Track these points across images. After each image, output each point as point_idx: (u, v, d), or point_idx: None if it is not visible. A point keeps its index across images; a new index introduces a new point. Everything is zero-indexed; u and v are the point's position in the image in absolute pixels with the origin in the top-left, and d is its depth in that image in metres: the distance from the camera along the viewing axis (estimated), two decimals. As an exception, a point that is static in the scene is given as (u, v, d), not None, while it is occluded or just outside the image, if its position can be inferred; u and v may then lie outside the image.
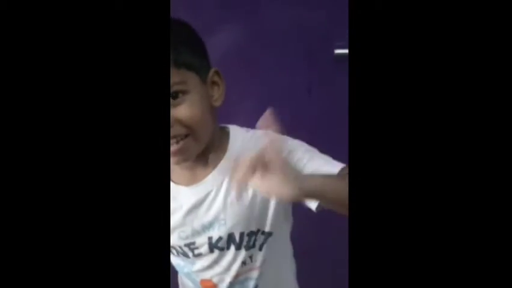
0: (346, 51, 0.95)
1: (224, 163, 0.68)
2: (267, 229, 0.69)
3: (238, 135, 0.70)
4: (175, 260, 0.75)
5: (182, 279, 0.79)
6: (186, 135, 0.62)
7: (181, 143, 0.62)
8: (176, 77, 0.60)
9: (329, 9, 0.96)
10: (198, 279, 0.74)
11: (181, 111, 0.61)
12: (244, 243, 0.69)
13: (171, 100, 0.60)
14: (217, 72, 0.66)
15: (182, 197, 0.69)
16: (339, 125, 1.00)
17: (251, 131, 0.69)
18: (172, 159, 0.64)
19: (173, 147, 0.62)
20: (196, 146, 0.65)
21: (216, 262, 0.71)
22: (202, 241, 0.70)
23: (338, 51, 0.95)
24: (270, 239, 0.70)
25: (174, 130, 0.61)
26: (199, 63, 0.64)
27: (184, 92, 0.61)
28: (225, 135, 0.70)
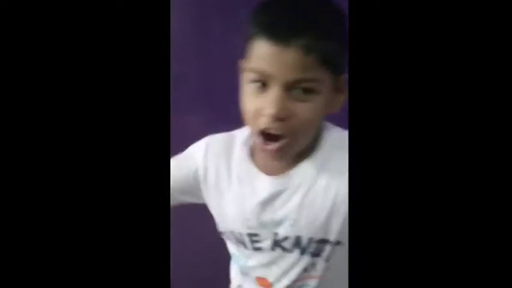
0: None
1: (310, 160, 0.62)
2: (337, 238, 0.62)
3: (332, 134, 0.63)
4: (232, 247, 0.71)
5: (234, 271, 0.74)
6: (285, 136, 0.56)
7: (280, 142, 0.56)
8: (317, 73, 0.54)
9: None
10: (254, 275, 0.68)
11: (303, 109, 0.55)
12: (311, 249, 0.63)
13: (296, 92, 0.54)
14: (344, 80, 0.58)
15: (260, 184, 0.63)
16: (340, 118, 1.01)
17: (346, 131, 0.62)
18: (264, 153, 0.59)
19: (268, 146, 0.57)
20: (292, 150, 0.59)
21: (274, 262, 0.65)
22: (266, 235, 0.64)
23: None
24: (337, 248, 0.63)
25: (282, 126, 0.55)
26: (340, 63, 0.56)
27: (315, 92, 0.55)
28: (317, 132, 0.63)
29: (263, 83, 0.55)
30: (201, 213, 0.73)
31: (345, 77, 0.58)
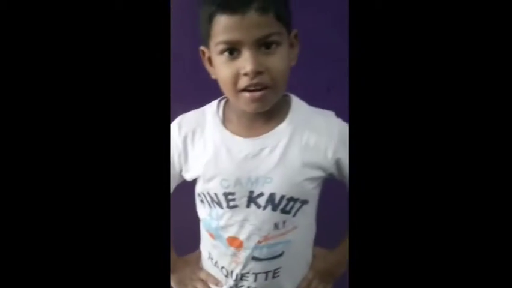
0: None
1: (285, 124, 0.69)
2: (304, 197, 0.70)
3: (300, 104, 0.73)
4: (203, 212, 0.75)
5: (204, 237, 0.78)
6: (267, 87, 0.63)
7: (264, 91, 0.63)
8: (276, 27, 0.62)
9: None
10: (225, 236, 0.73)
11: (274, 61, 0.62)
12: (282, 206, 0.69)
13: (263, 49, 0.62)
14: (296, 35, 0.68)
15: (235, 146, 0.69)
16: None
17: (313, 108, 0.73)
18: (250, 106, 0.65)
19: (255, 94, 0.63)
20: (274, 97, 0.66)
21: (247, 219, 0.71)
22: (242, 194, 0.69)
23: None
24: (304, 206, 0.71)
25: (261, 78, 0.62)
26: (289, 21, 0.66)
27: (278, 44, 0.63)
28: (286, 100, 0.72)
29: (231, 51, 0.62)
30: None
31: (296, 33, 0.67)
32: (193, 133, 0.72)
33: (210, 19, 0.62)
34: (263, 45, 0.61)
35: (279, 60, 0.63)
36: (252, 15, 0.59)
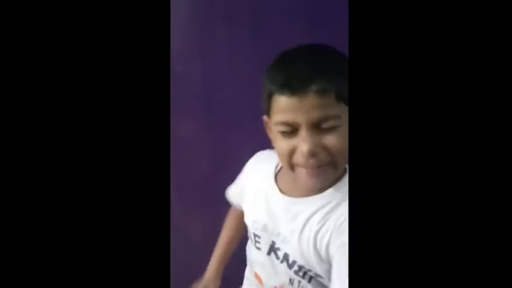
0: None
1: (325, 193, 0.67)
2: (317, 271, 0.68)
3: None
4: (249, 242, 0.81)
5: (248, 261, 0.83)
6: (325, 164, 0.62)
7: (321, 168, 0.62)
8: (335, 109, 0.60)
9: (330, 17, 0.98)
10: (254, 270, 0.78)
11: (332, 140, 0.61)
12: (295, 268, 0.69)
13: (323, 127, 0.60)
14: None
15: (274, 198, 0.72)
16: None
17: None
18: (307, 182, 0.64)
19: (313, 171, 0.62)
20: (333, 174, 0.65)
21: (268, 264, 0.74)
22: (266, 240, 0.73)
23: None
24: (320, 279, 0.69)
25: (318, 158, 0.61)
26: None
27: (338, 126, 0.61)
28: (344, 171, 0.69)
29: (291, 131, 0.61)
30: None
31: None
32: (256, 172, 0.79)
33: (269, 96, 0.62)
34: (321, 126, 0.60)
35: (338, 138, 0.60)
36: (312, 97, 0.58)
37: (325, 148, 0.61)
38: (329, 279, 0.66)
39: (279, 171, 0.75)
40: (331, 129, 0.60)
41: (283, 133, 0.62)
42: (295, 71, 0.60)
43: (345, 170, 0.69)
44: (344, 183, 0.67)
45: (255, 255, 0.77)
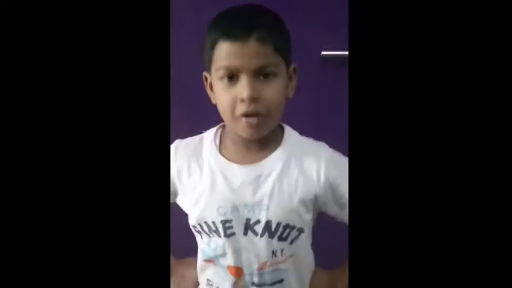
0: (332, 52, 1.04)
1: (279, 152, 0.72)
2: (300, 225, 0.71)
3: (292, 133, 0.75)
4: (200, 242, 0.77)
5: (201, 265, 0.79)
6: (262, 114, 0.66)
7: (259, 118, 0.66)
8: (274, 58, 0.65)
9: (316, 15, 1.04)
10: (225, 265, 0.74)
11: (270, 91, 0.65)
12: (278, 233, 0.71)
13: (261, 78, 0.65)
14: (295, 69, 0.71)
15: (231, 173, 0.72)
16: (326, 116, 1.08)
17: (305, 137, 0.76)
18: (247, 132, 0.67)
19: (252, 120, 0.65)
20: (269, 125, 0.69)
21: (245, 247, 0.72)
22: (239, 221, 0.71)
23: (324, 52, 1.04)
24: (301, 235, 0.72)
25: (257, 105, 0.65)
26: (288, 54, 0.69)
27: (275, 74, 0.65)
28: (280, 128, 0.75)
29: (230, 77, 0.65)
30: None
31: (294, 67, 0.71)
32: (189, 162, 0.74)
33: (212, 46, 0.65)
34: (261, 74, 0.64)
35: (275, 90, 0.65)
36: (252, 44, 0.62)
37: (263, 98, 0.65)
38: (309, 230, 0.74)
39: (219, 146, 0.75)
40: (269, 80, 0.65)
41: (222, 81, 0.66)
42: (238, 20, 0.65)
43: (281, 127, 0.75)
44: (289, 141, 0.73)
45: (225, 246, 0.73)
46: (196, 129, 0.78)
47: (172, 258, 0.83)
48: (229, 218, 0.71)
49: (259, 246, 0.71)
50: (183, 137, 0.78)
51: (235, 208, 0.70)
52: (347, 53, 1.01)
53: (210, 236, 0.73)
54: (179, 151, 0.76)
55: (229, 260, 0.73)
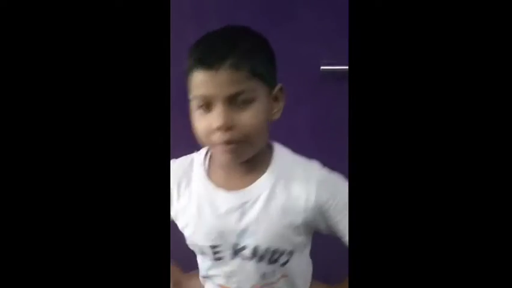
0: (331, 67, 1.03)
1: (266, 176, 0.70)
2: (290, 248, 0.71)
3: (282, 153, 0.73)
4: (198, 259, 0.77)
5: (204, 282, 0.80)
6: (239, 141, 0.64)
7: (235, 145, 0.64)
8: (250, 84, 0.63)
9: (316, 30, 1.05)
10: (217, 283, 0.75)
11: (247, 118, 0.63)
12: (268, 257, 0.70)
13: (237, 104, 0.63)
14: (281, 89, 0.69)
15: (218, 200, 0.71)
16: (326, 131, 1.08)
17: (295, 155, 0.73)
18: (224, 158, 0.66)
19: (226, 147, 0.64)
20: (249, 151, 0.67)
21: (234, 271, 0.72)
22: (226, 246, 0.71)
23: (323, 67, 1.04)
24: (293, 256, 0.71)
25: (232, 134, 0.63)
26: (271, 75, 0.67)
27: (251, 100, 0.64)
28: (269, 150, 0.73)
29: (206, 106, 0.64)
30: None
31: (280, 87, 0.69)
32: (179, 185, 0.74)
33: (189, 74, 0.65)
34: (236, 101, 0.63)
35: (252, 116, 0.64)
36: (225, 72, 0.61)
37: (238, 125, 0.63)
38: (301, 251, 0.72)
39: (208, 170, 0.74)
40: (245, 106, 0.63)
41: (200, 109, 0.65)
42: (211, 48, 0.64)
43: (271, 147, 0.73)
44: (277, 163, 0.71)
45: (215, 268, 0.74)
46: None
47: (180, 271, 0.84)
48: (217, 244, 0.71)
49: (248, 269, 0.71)
50: (183, 144, 0.78)
51: (222, 234, 0.70)
52: (346, 67, 1.01)
53: (202, 256, 0.74)
54: (172, 173, 0.75)
55: (221, 280, 0.74)
